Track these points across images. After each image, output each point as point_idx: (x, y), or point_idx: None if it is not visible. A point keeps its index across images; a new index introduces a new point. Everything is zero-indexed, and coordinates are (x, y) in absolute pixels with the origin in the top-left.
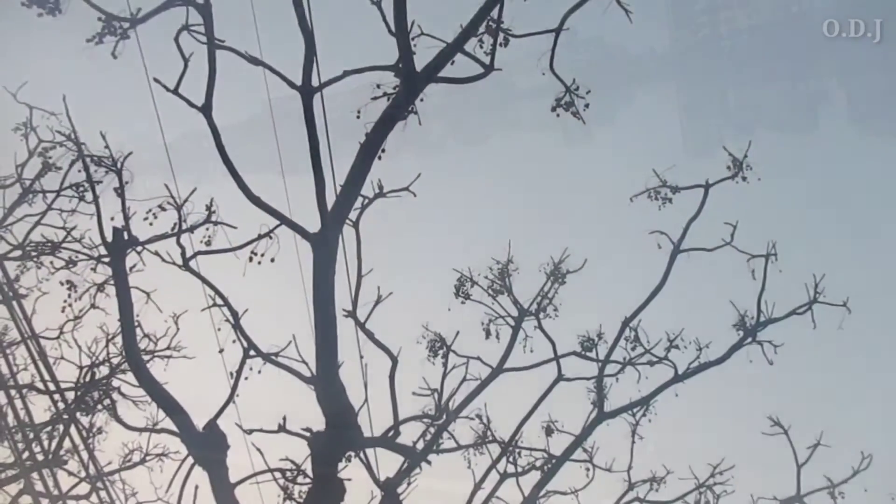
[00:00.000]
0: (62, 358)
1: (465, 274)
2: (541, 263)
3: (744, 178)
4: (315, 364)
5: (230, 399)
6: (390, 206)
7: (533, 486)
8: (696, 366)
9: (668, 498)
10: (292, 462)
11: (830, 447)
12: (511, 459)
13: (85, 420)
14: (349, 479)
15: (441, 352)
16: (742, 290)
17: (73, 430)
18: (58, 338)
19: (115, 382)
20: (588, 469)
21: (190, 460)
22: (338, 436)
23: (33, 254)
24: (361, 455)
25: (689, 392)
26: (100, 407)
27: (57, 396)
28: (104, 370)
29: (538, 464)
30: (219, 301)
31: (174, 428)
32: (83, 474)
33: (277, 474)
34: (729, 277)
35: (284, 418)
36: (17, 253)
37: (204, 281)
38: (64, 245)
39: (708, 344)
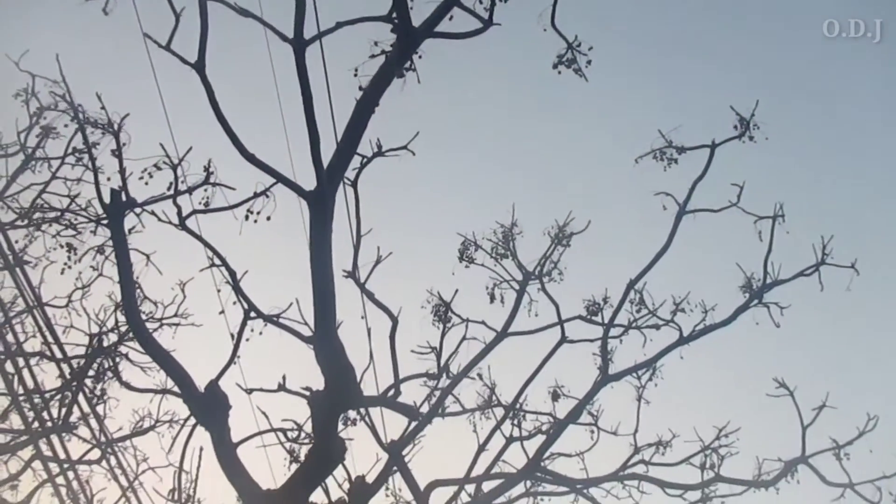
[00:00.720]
0: (71, 326)
1: (469, 238)
2: (545, 227)
3: (751, 138)
4: (313, 323)
5: (231, 360)
6: (391, 166)
7: (537, 448)
8: (701, 328)
9: (674, 460)
10: (294, 422)
11: (836, 409)
12: (516, 422)
13: (94, 388)
14: (351, 439)
15: (448, 317)
16: (748, 253)
17: (81, 397)
18: (66, 306)
19: (123, 350)
20: (593, 432)
21: (192, 421)
22: (337, 394)
23: (38, 222)
24: (366, 418)
25: (694, 355)
26: (108, 374)
27: (65, 365)
28: (113, 338)
29: (544, 428)
30: (217, 261)
31: (176, 389)
32: (94, 442)
33: (279, 434)
34: (735, 239)
35: (284, 377)
36: (22, 222)
37: (201, 240)
38: (68, 212)
39: (714, 306)
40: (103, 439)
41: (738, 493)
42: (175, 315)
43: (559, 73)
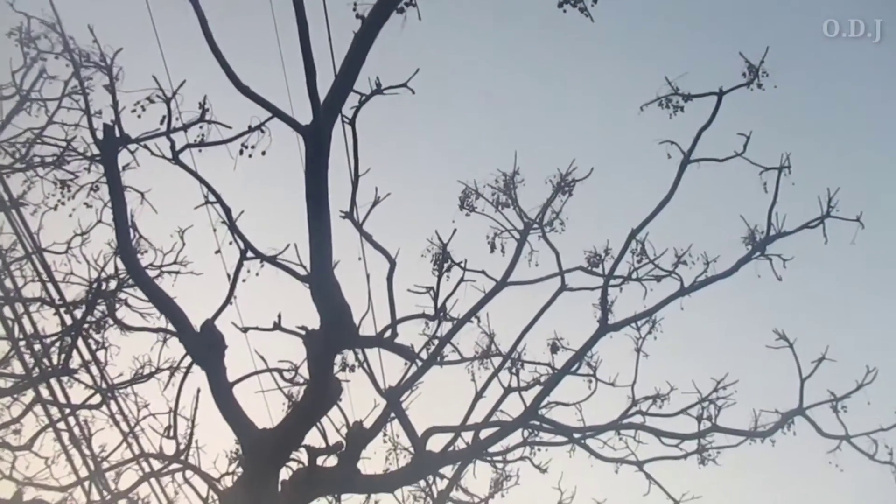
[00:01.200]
0: (71, 273)
1: (470, 186)
2: (547, 175)
3: (759, 86)
4: (309, 262)
5: (227, 301)
6: (390, 108)
7: (535, 396)
8: (702, 279)
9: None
10: (290, 363)
11: (835, 362)
12: (514, 371)
13: (94, 333)
14: (347, 381)
15: (447, 264)
16: (753, 204)
17: (81, 342)
18: (66, 252)
19: (122, 297)
20: (591, 382)
21: (188, 361)
22: (333, 333)
23: (34, 165)
24: (364, 365)
25: (694, 308)
26: (107, 321)
27: (64, 311)
28: (112, 285)
29: (542, 380)
30: (211, 198)
31: (173, 328)
32: (95, 388)
33: (275, 374)
34: (739, 191)
35: (279, 316)
36: (18, 166)
37: (195, 175)
38: (66, 151)
39: (716, 258)
40: (104, 385)
41: (735, 444)
42: (174, 263)
43: (564, 11)
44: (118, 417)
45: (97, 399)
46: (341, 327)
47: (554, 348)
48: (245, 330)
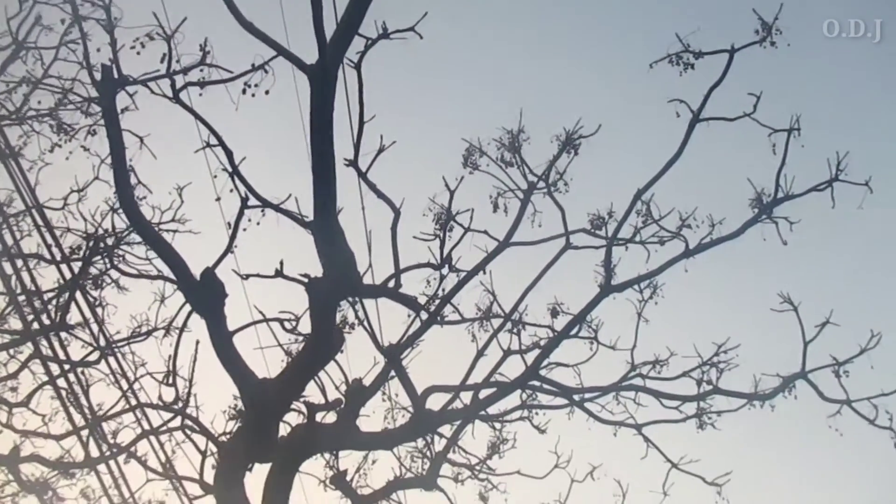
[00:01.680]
0: (68, 229)
1: (474, 144)
2: (553, 134)
3: (772, 44)
4: (313, 208)
5: (228, 249)
6: (396, 57)
7: (535, 356)
8: (708, 241)
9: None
10: (291, 314)
11: (839, 326)
12: (515, 331)
13: (92, 288)
14: (349, 332)
15: (449, 225)
16: (761, 167)
17: (79, 297)
18: (62, 208)
19: (120, 253)
20: (592, 344)
21: (187, 310)
22: (336, 281)
23: (31, 118)
24: (364, 322)
25: (698, 272)
26: (105, 279)
27: (63, 266)
28: (110, 242)
29: (542, 343)
30: (213, 141)
31: (172, 276)
32: (93, 345)
33: (275, 324)
34: (747, 153)
35: (282, 263)
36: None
37: (195, 115)
38: (63, 103)
39: (722, 220)
40: (102, 342)
41: (735, 408)
42: (173, 220)
43: None
44: (116, 375)
45: (95, 357)
46: (345, 275)
47: (554, 313)
48: (246, 277)
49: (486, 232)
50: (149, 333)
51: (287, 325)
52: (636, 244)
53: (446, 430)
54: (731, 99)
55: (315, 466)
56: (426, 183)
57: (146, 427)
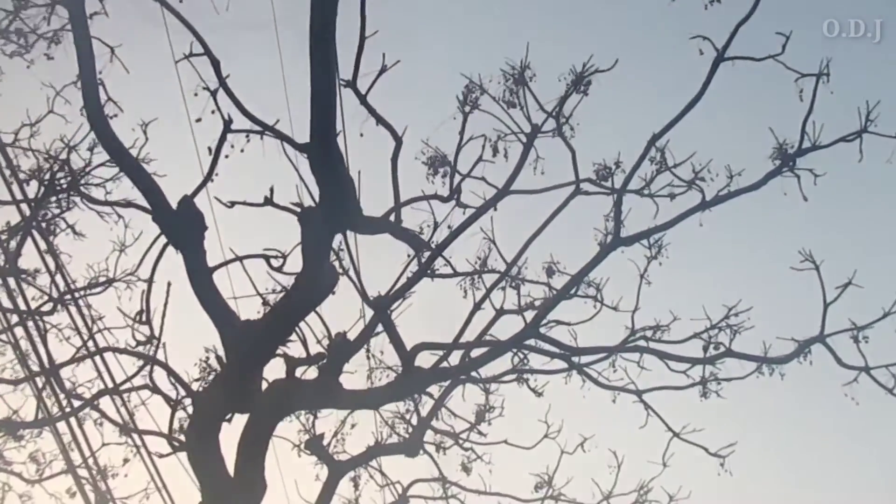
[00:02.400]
0: (19, 168)
1: (474, 81)
2: (561, 73)
3: None
4: (309, 128)
5: (208, 177)
6: None
7: (534, 314)
8: (725, 192)
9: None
10: (278, 251)
11: (862, 288)
12: (514, 286)
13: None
14: (342, 273)
15: (442, 171)
16: (786, 115)
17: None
18: (13, 144)
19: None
20: (595, 304)
21: (161, 243)
22: (333, 210)
23: None
24: (350, 273)
25: (711, 230)
26: (60, 226)
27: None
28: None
29: (541, 301)
30: (197, 49)
31: (145, 204)
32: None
33: (252, 265)
34: (770, 100)
35: (272, 189)
36: None
37: (179, 17)
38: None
39: (741, 171)
40: (55, 294)
41: (742, 376)
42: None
43: None
44: (76, 323)
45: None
46: (343, 203)
47: (550, 271)
48: (231, 205)
49: (483, 178)
50: (109, 282)
51: (274, 262)
52: (646, 197)
53: (434, 391)
54: (758, 35)
55: (289, 430)
56: (420, 125)
57: (109, 382)
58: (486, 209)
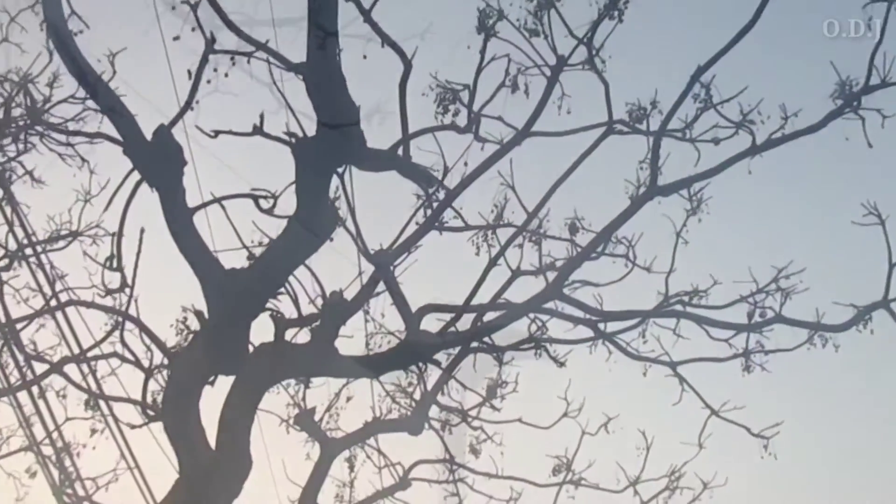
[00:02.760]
0: None
1: (491, 4)
2: None
3: None
4: (307, 42)
5: (188, 105)
6: None
7: (556, 275)
8: (779, 136)
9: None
10: (266, 191)
11: None
12: (534, 240)
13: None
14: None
15: (453, 108)
16: (851, 46)
17: None
18: None
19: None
20: (627, 261)
21: (134, 181)
22: (333, 141)
23: None
24: (347, 223)
25: (763, 178)
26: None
27: None
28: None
29: (559, 265)
30: None
31: (116, 135)
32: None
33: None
34: (835, 28)
35: (262, 117)
36: None
37: None
38: None
39: (797, 112)
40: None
41: (792, 347)
42: None
43: None
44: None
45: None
46: (345, 133)
47: (573, 229)
48: (215, 134)
49: (500, 118)
50: (74, 236)
51: (264, 204)
52: (687, 141)
53: (440, 362)
54: None
55: (276, 403)
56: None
57: (75, 347)
58: (503, 152)
